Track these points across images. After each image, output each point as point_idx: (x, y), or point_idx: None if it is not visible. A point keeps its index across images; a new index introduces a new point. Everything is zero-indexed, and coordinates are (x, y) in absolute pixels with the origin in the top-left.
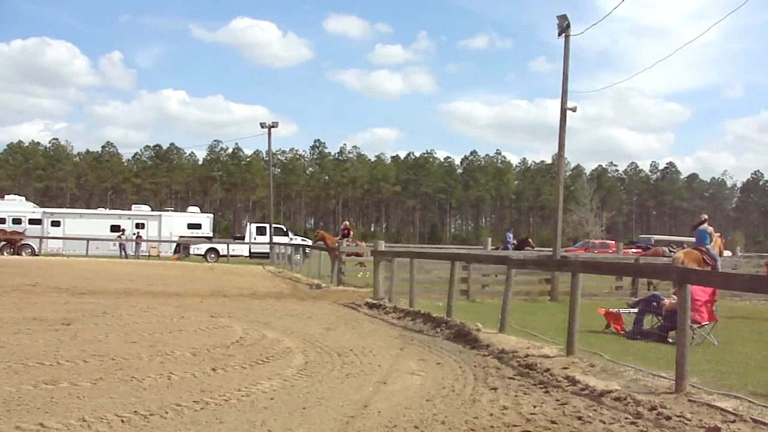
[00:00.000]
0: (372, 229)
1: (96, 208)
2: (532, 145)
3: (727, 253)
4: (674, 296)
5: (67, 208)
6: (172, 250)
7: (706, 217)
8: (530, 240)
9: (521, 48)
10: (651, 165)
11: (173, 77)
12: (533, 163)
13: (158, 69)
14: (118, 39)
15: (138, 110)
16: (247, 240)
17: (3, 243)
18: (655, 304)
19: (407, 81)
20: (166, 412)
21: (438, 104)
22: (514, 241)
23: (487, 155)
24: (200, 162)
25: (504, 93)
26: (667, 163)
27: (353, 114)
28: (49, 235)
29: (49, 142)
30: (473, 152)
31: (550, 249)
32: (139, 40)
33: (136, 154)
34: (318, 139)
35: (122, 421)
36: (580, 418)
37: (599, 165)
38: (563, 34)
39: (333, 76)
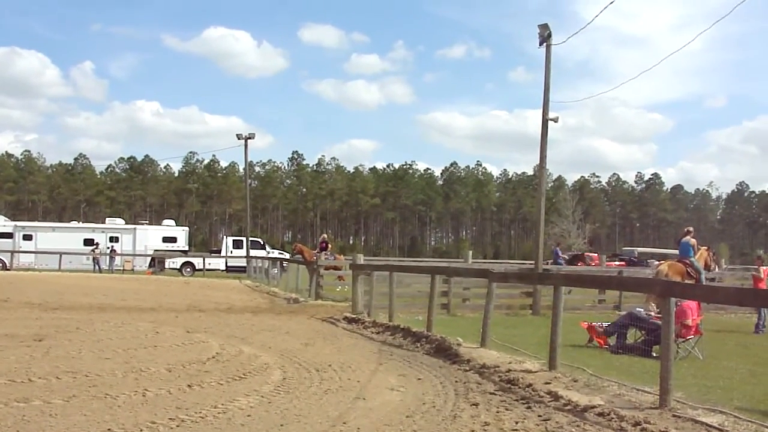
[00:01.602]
0: (351, 242)
1: (69, 222)
2: (512, 156)
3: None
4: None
5: (39, 221)
6: (147, 264)
7: (691, 229)
8: (585, 255)
9: (500, 58)
10: (636, 176)
11: (146, 88)
12: (514, 175)
13: (131, 79)
14: (89, 49)
15: (110, 121)
16: (223, 253)
17: None
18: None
19: (384, 91)
20: (141, 430)
21: (416, 115)
22: (565, 256)
23: (467, 167)
24: (175, 174)
25: (483, 103)
26: (651, 174)
27: (330, 125)
28: (21, 249)
29: (21, 154)
30: (453, 164)
31: (532, 262)
32: (111, 50)
33: (109, 166)
34: (296, 151)
35: None
36: None
37: (581, 176)
38: (544, 44)
39: (309, 87)
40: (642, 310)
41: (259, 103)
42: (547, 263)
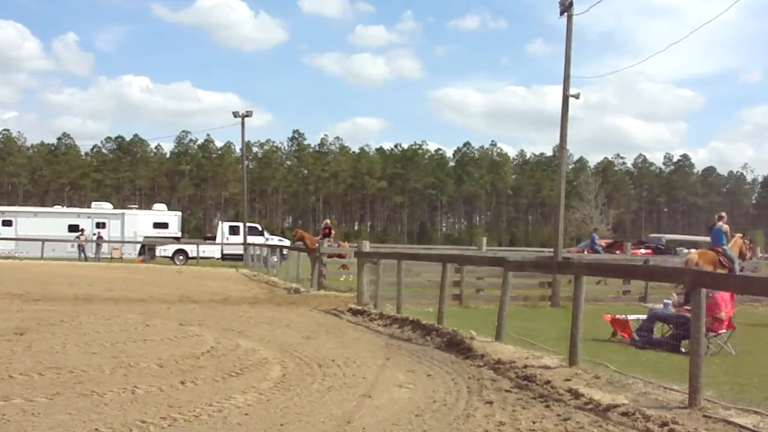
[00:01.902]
0: (356, 228)
1: (52, 206)
2: (530, 135)
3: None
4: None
5: (19, 206)
6: (137, 252)
7: (724, 215)
8: (623, 244)
9: (517, 29)
10: (664, 157)
11: (135, 62)
12: (532, 156)
13: (118, 52)
14: (73, 19)
15: (96, 98)
16: (218, 240)
17: None
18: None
19: (391, 65)
20: (131, 430)
21: (426, 91)
22: (602, 242)
23: (481, 147)
24: (167, 155)
25: (498, 79)
26: (680, 155)
27: (333, 102)
28: (0, 236)
29: None
30: (466, 144)
31: (551, 249)
32: (96, 20)
33: (95, 146)
34: (296, 130)
35: None
36: None
37: (605, 157)
38: (565, 14)
39: (310, 61)
40: (668, 302)
41: (257, 78)
42: (583, 250)
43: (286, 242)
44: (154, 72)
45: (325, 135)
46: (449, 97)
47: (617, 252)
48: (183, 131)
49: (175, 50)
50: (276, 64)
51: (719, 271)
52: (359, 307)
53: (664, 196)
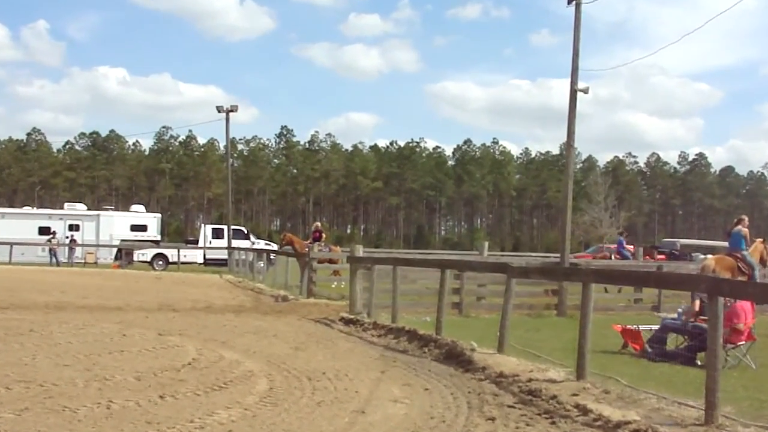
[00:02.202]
0: (348, 231)
1: (21, 207)
2: (535, 132)
3: None
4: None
5: None
6: (113, 257)
7: (744, 218)
8: (653, 249)
9: (521, 18)
10: (679, 156)
11: (110, 52)
12: (537, 155)
13: (92, 42)
14: (43, 6)
15: (69, 91)
16: (201, 244)
17: None
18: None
19: (386, 57)
20: None
21: (424, 85)
22: (630, 247)
23: (483, 145)
24: (146, 152)
25: (501, 72)
26: (696, 154)
27: (324, 96)
28: None
29: None
30: (467, 141)
31: (557, 255)
32: (69, 7)
33: (68, 142)
34: (285, 126)
35: None
36: None
37: (615, 156)
38: (573, 2)
39: (300, 52)
40: (680, 310)
41: (242, 70)
42: (610, 256)
43: (274, 246)
44: (132, 63)
45: (316, 132)
46: (448, 91)
47: (645, 258)
48: (163, 127)
49: (155, 40)
50: (263, 55)
51: (738, 278)
52: (352, 316)
53: (678, 198)
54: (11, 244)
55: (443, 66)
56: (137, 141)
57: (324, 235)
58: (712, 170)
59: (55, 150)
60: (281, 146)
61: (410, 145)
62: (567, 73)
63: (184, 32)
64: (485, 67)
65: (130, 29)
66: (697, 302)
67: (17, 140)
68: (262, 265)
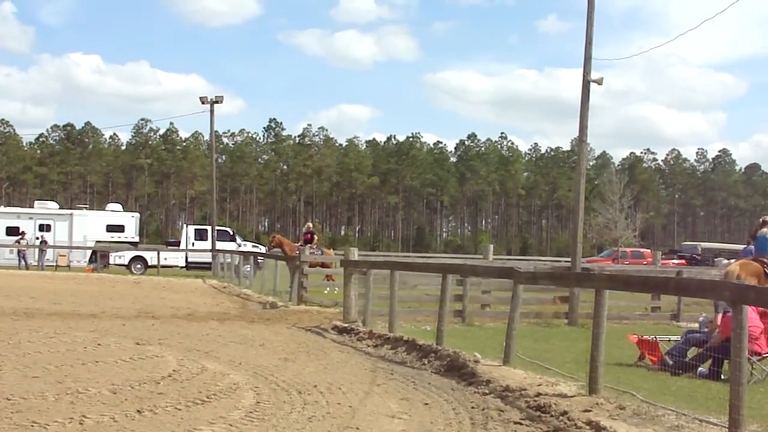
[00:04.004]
0: (343, 232)
1: None
2: (544, 127)
3: None
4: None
5: None
6: (87, 260)
7: None
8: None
9: (526, 3)
10: (699, 152)
11: (83, 37)
12: (547, 150)
13: (64, 26)
14: None
15: (39, 79)
16: (182, 246)
17: None
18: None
19: (382, 44)
20: None
21: (423, 75)
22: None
23: (488, 140)
24: (123, 147)
25: (506, 61)
26: (719, 150)
27: (315, 87)
28: None
29: None
30: (470, 136)
31: (568, 259)
32: None
33: (40, 136)
34: (273, 119)
35: None
36: None
37: (631, 153)
38: None
39: (288, 39)
40: (702, 320)
41: (227, 58)
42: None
43: (262, 249)
44: (107, 50)
45: (307, 125)
46: (449, 81)
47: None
48: (142, 119)
49: (131, 25)
50: (248, 43)
51: (765, 285)
52: (345, 325)
53: (700, 198)
54: None
55: (443, 54)
56: (114, 134)
57: (316, 237)
58: (736, 168)
59: (24, 143)
60: (270, 140)
61: (409, 139)
62: (577, 63)
63: (162, 17)
64: (489, 56)
65: (104, 14)
66: (719, 315)
67: None
68: (249, 269)
